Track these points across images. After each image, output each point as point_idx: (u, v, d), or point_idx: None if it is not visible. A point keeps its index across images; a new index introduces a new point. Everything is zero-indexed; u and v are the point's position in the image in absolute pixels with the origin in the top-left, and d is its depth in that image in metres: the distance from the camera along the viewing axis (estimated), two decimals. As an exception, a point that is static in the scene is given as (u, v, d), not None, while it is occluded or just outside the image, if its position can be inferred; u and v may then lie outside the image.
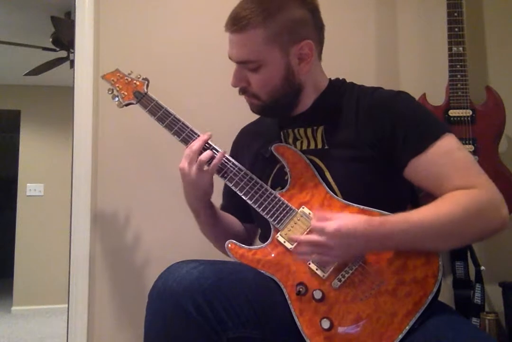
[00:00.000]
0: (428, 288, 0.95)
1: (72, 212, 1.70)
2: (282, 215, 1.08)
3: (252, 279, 1.02)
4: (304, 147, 1.16)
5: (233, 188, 1.13)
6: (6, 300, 5.05)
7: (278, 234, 1.08)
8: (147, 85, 1.26)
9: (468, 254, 1.69)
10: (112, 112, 1.69)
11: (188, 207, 1.22)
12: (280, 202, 1.09)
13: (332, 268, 1.01)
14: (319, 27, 1.15)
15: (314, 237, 0.95)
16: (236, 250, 1.10)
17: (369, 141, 1.08)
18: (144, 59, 1.76)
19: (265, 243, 1.10)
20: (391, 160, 1.06)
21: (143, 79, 1.27)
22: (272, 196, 1.10)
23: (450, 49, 1.71)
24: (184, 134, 1.18)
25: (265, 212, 1.10)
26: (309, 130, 1.16)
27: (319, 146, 1.14)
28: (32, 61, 3.84)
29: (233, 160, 1.15)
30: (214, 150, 1.15)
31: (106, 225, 1.72)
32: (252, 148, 1.26)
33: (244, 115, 1.28)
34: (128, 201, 1.73)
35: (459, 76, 1.70)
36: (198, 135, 1.17)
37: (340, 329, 0.97)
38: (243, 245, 1.10)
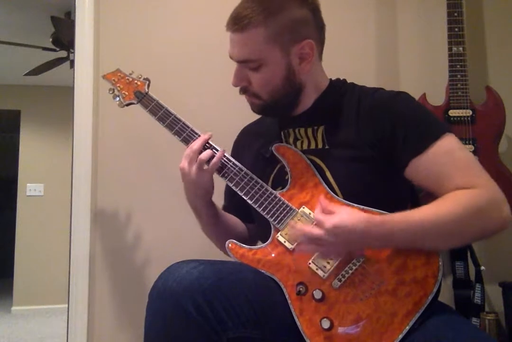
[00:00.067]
0: (428, 288, 0.95)
1: (72, 212, 1.70)
2: (282, 214, 1.08)
3: (252, 279, 1.02)
4: (305, 147, 1.16)
5: (233, 187, 1.14)
6: (6, 300, 5.05)
7: (278, 234, 1.08)
8: (148, 85, 1.27)
9: (468, 254, 1.69)
10: (112, 112, 1.69)
11: (190, 206, 1.23)
12: (281, 202, 1.09)
13: (332, 268, 1.01)
14: (320, 27, 1.15)
15: (314, 230, 0.94)
16: (236, 250, 1.10)
17: (369, 142, 1.08)
18: (144, 59, 1.76)
19: (265, 243, 1.10)
20: (391, 160, 1.06)
21: (144, 79, 1.27)
22: (273, 195, 1.10)
23: (450, 49, 1.71)
24: (185, 134, 1.18)
25: (266, 212, 1.10)
26: (309, 130, 1.16)
27: (320, 146, 1.14)
28: (32, 61, 3.84)
29: (233, 160, 1.15)
30: (214, 150, 1.15)
31: (106, 225, 1.72)
32: (253, 148, 1.26)
33: (244, 115, 1.28)
34: (128, 200, 1.73)
35: (459, 76, 1.70)
36: (199, 135, 1.18)
37: (340, 329, 0.97)
38: (244, 245, 1.10)
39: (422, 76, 1.90)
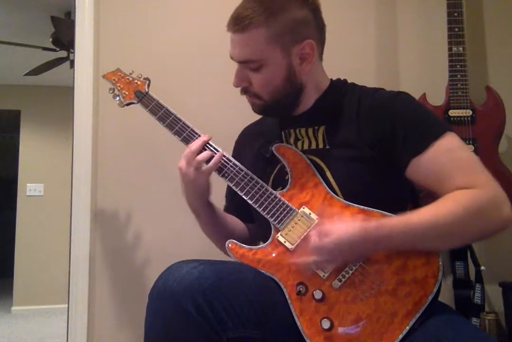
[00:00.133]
0: (428, 288, 0.95)
1: (72, 212, 1.70)
2: (282, 215, 1.08)
3: (252, 279, 1.02)
4: (305, 147, 1.16)
5: (233, 187, 1.14)
6: (6, 300, 5.05)
7: (279, 234, 1.08)
8: (148, 85, 1.27)
9: (468, 254, 1.69)
10: (112, 112, 1.69)
11: (188, 207, 1.23)
12: (281, 202, 1.09)
13: (332, 269, 1.01)
14: (321, 27, 1.15)
15: (315, 258, 0.99)
16: (236, 250, 1.10)
17: (369, 142, 1.08)
18: (144, 59, 1.76)
19: (266, 243, 1.09)
20: (392, 160, 1.06)
21: (144, 79, 1.27)
22: (273, 196, 1.10)
23: (450, 49, 1.72)
24: (185, 134, 1.18)
25: (266, 212, 1.10)
26: (310, 130, 1.16)
27: (320, 146, 1.14)
28: (32, 61, 3.84)
29: (233, 160, 1.15)
30: (214, 150, 1.15)
31: (106, 225, 1.72)
32: (253, 148, 1.26)
33: (244, 115, 1.28)
34: (128, 200, 1.73)
35: (459, 76, 1.70)
36: (199, 135, 1.18)
37: (340, 329, 0.97)
38: (244, 245, 1.10)
39: (422, 76, 1.90)
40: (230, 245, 1.10)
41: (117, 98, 1.29)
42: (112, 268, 1.70)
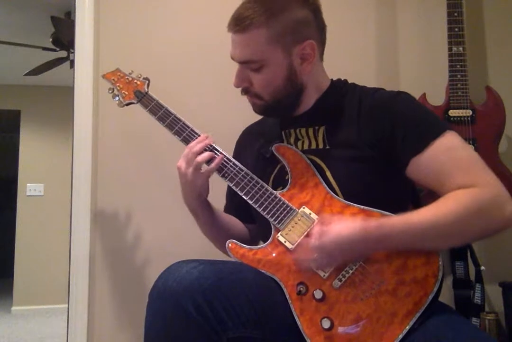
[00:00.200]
0: (429, 287, 0.95)
1: (72, 212, 1.70)
2: (282, 215, 1.08)
3: (252, 279, 1.02)
4: (306, 147, 1.16)
5: (233, 188, 1.14)
6: (6, 300, 5.05)
7: (279, 234, 1.08)
8: (148, 85, 1.27)
9: (468, 254, 1.69)
10: (112, 112, 1.69)
11: (187, 207, 1.23)
12: (281, 202, 1.09)
13: (332, 268, 1.01)
14: (321, 28, 1.15)
15: (315, 257, 0.98)
16: (236, 250, 1.10)
17: (369, 142, 1.08)
18: (144, 59, 1.76)
19: (266, 243, 1.09)
20: (392, 160, 1.06)
21: (143, 78, 1.27)
22: (273, 196, 1.10)
23: (450, 49, 1.72)
24: (185, 134, 1.18)
25: (266, 212, 1.10)
26: (310, 130, 1.16)
27: (320, 146, 1.14)
28: (32, 61, 3.84)
29: (233, 160, 1.15)
30: (215, 152, 1.15)
31: (106, 225, 1.72)
32: (254, 148, 1.26)
33: (244, 115, 1.28)
34: (128, 200, 1.73)
35: (459, 76, 1.70)
36: (199, 135, 1.18)
37: (341, 329, 0.97)
38: (244, 245, 1.10)
39: (422, 76, 1.90)
40: (230, 245, 1.10)
41: (117, 98, 1.29)
42: (112, 268, 1.70)
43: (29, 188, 5.02)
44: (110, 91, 1.30)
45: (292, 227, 1.07)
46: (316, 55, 1.13)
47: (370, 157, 1.07)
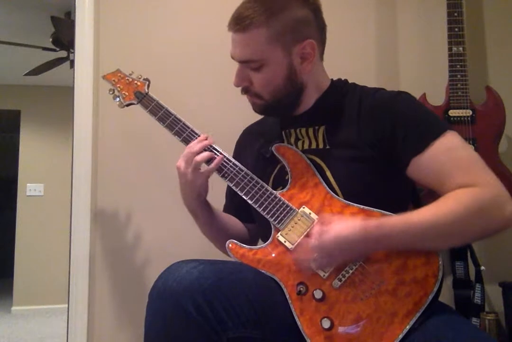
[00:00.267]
0: (429, 287, 0.95)
1: (72, 212, 1.70)
2: (282, 214, 1.08)
3: (252, 279, 1.02)
4: (306, 147, 1.16)
5: (233, 188, 1.14)
6: (6, 300, 5.05)
7: (279, 234, 1.08)
8: (148, 86, 1.27)
9: (468, 254, 1.69)
10: (112, 112, 1.69)
11: (186, 207, 1.23)
12: (281, 202, 1.09)
13: (332, 268, 1.01)
14: (321, 27, 1.15)
15: (315, 257, 0.98)
16: (236, 250, 1.10)
17: (370, 142, 1.08)
18: (144, 59, 1.76)
19: (266, 243, 1.10)
20: (392, 160, 1.06)
21: (144, 79, 1.27)
22: (273, 196, 1.10)
23: (450, 49, 1.72)
24: (185, 135, 1.18)
25: (266, 212, 1.10)
26: (310, 130, 1.16)
27: (320, 146, 1.14)
28: (32, 61, 3.84)
29: (233, 160, 1.15)
30: (215, 152, 1.15)
31: (106, 225, 1.72)
32: (254, 148, 1.26)
33: (244, 115, 1.28)
34: (128, 200, 1.73)
35: (459, 76, 1.70)
36: (199, 135, 1.18)
37: (341, 329, 0.97)
38: (244, 245, 1.10)
39: (422, 76, 1.90)
40: (230, 245, 1.10)
41: (117, 99, 1.29)
42: (112, 268, 1.70)
43: (29, 188, 5.02)
44: (110, 92, 1.30)
45: (292, 226, 1.07)
46: (316, 55, 1.13)
47: (370, 157, 1.07)
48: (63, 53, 3.68)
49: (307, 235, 1.04)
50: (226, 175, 1.14)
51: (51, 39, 3.58)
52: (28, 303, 4.88)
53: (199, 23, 1.82)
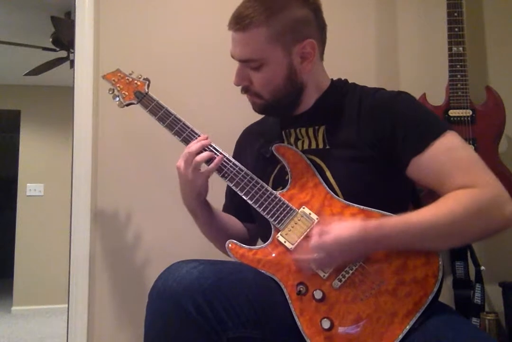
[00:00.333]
0: (429, 288, 0.95)
1: (72, 212, 1.70)
2: (282, 215, 1.08)
3: (252, 279, 1.02)
4: (305, 147, 1.16)
5: (233, 188, 1.14)
6: (6, 300, 5.05)
7: (279, 234, 1.08)
8: (148, 85, 1.27)
9: (468, 254, 1.69)
10: (112, 112, 1.69)
11: (186, 207, 1.23)
12: (281, 202, 1.09)
13: (332, 268, 1.01)
14: (322, 27, 1.15)
15: (315, 257, 0.98)
16: (236, 250, 1.10)
17: (369, 142, 1.08)
18: (144, 59, 1.76)
19: (266, 243, 1.09)
20: (392, 160, 1.06)
21: (144, 79, 1.27)
22: (273, 196, 1.10)
23: (450, 49, 1.72)
24: (185, 134, 1.18)
25: (266, 212, 1.10)
26: (310, 130, 1.16)
27: (320, 146, 1.14)
28: (32, 61, 3.84)
29: (233, 160, 1.15)
30: (215, 151, 1.15)
31: (106, 225, 1.72)
32: (254, 148, 1.26)
33: (244, 115, 1.28)
34: (128, 200, 1.73)
35: (459, 76, 1.70)
36: (199, 135, 1.18)
37: (341, 329, 0.97)
38: (244, 245, 1.10)
39: (422, 76, 1.90)
40: (230, 245, 1.10)
41: (117, 99, 1.29)
42: (112, 268, 1.70)
43: (29, 188, 5.02)
44: (110, 92, 1.30)
45: (292, 227, 1.07)
46: (316, 54, 1.13)
47: (370, 157, 1.07)
48: (63, 53, 3.68)
49: (307, 236, 1.04)
50: (226, 175, 1.14)
51: (51, 39, 3.58)
52: (28, 303, 4.88)
53: (199, 23, 1.82)
